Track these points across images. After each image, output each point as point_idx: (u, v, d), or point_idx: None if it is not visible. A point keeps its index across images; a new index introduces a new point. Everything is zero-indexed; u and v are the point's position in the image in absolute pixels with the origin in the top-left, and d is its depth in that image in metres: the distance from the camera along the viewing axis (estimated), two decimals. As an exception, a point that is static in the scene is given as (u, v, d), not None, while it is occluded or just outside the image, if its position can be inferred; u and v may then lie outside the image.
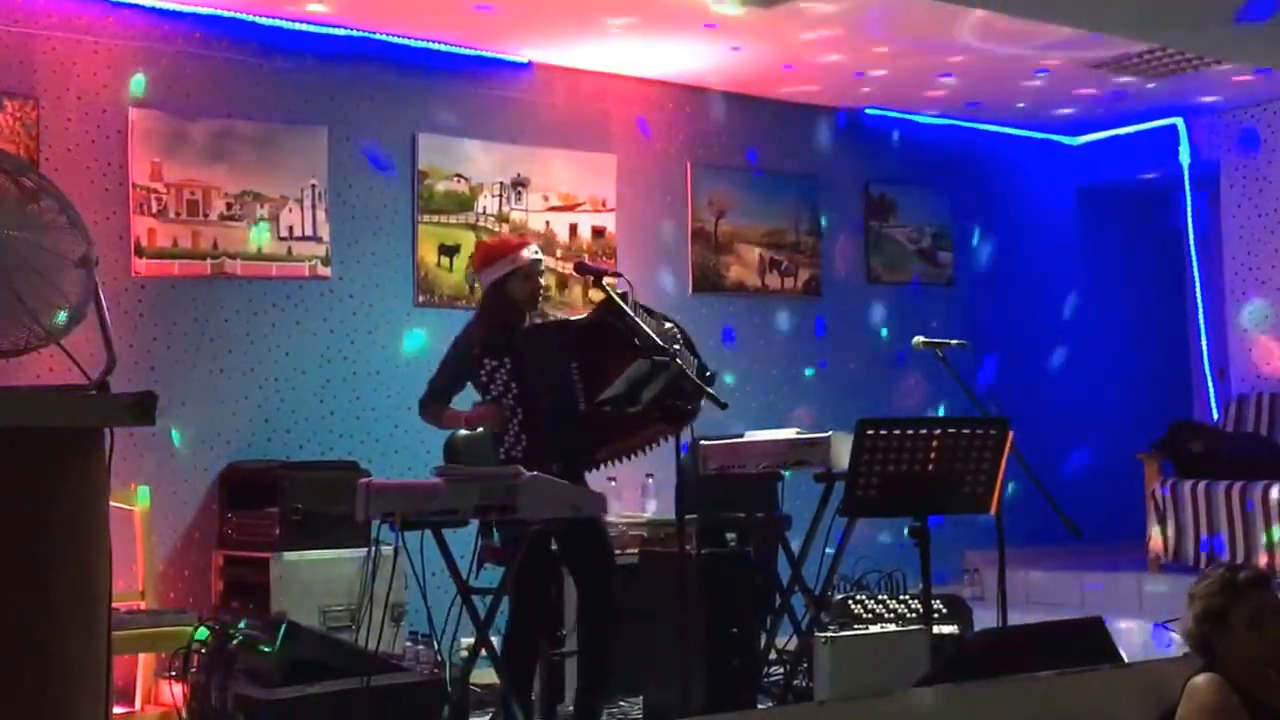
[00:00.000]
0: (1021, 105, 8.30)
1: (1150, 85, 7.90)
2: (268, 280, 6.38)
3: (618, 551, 5.92)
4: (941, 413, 7.94)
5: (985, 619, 5.58)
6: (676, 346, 4.46)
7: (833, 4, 6.43)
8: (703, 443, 5.02)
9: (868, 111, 8.31)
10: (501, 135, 7.04)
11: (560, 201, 7.19)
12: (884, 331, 8.30)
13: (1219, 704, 3.31)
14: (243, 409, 6.29)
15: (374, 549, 4.47)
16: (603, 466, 4.79)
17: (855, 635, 4.35)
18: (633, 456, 4.76)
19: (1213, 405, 8.68)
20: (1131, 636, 6.58)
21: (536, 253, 4.87)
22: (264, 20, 6.38)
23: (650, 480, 6.55)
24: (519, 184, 7.07)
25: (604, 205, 7.32)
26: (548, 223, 7.11)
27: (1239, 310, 8.45)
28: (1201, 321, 8.80)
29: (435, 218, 6.84)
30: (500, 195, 7.02)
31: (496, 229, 6.93)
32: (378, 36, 6.69)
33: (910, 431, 4.54)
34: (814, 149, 8.15)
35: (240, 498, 6.05)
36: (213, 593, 6.02)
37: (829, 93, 7.91)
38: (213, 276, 6.24)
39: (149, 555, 5.72)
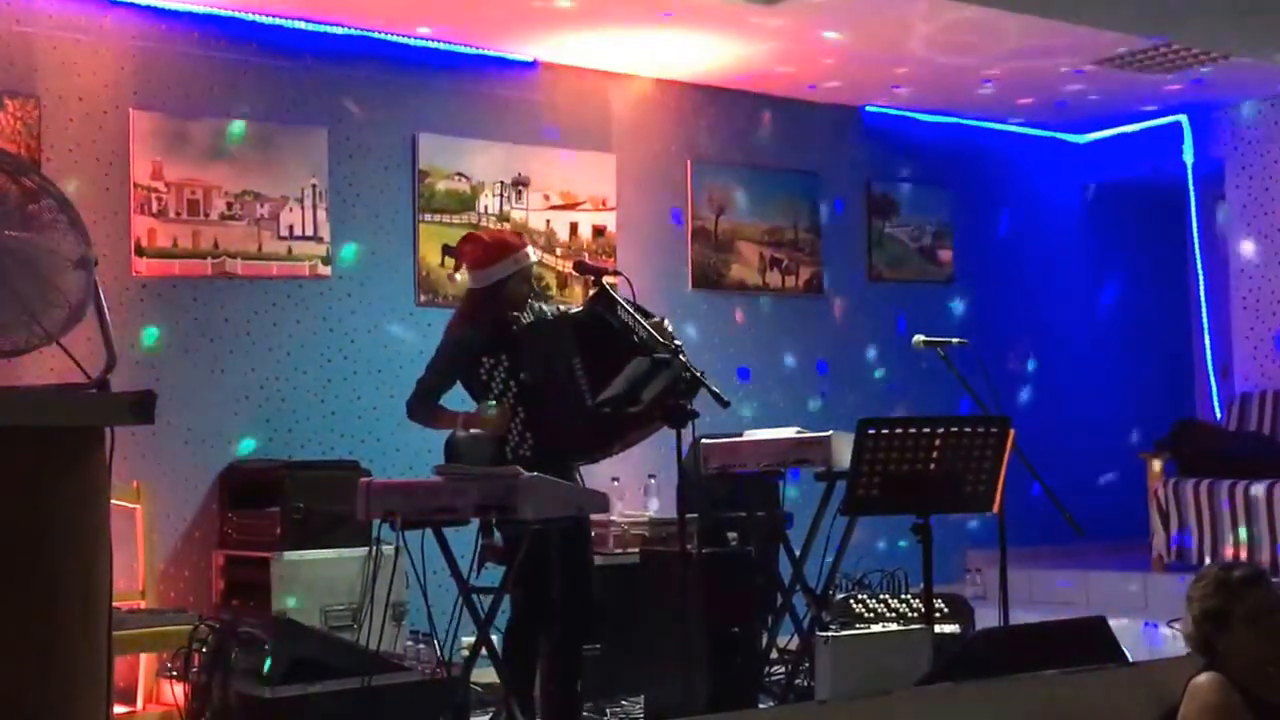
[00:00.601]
0: (1025, 103, 8.29)
1: (1155, 82, 7.89)
2: (268, 280, 6.38)
3: (620, 551, 5.95)
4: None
5: (987, 618, 5.58)
6: (677, 343, 4.46)
7: (833, 1, 6.43)
8: (704, 442, 5.01)
9: (869, 109, 8.31)
10: (502, 134, 7.04)
11: (561, 200, 7.18)
12: (885, 330, 8.28)
13: (1221, 703, 3.31)
14: (244, 409, 6.29)
15: (375, 548, 4.47)
16: (604, 461, 4.78)
17: (857, 634, 4.35)
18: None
19: (1215, 404, 8.67)
20: (1134, 635, 6.57)
21: (536, 253, 4.85)
22: (265, 19, 6.38)
23: (652, 480, 6.54)
24: (520, 183, 7.07)
25: (604, 204, 7.31)
26: (548, 221, 7.11)
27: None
28: (1205, 320, 8.79)
29: (436, 217, 6.84)
30: (501, 194, 7.01)
31: (498, 228, 6.92)
32: (378, 35, 6.68)
33: (911, 431, 4.54)
34: (815, 146, 8.14)
35: (241, 497, 6.05)
36: (214, 592, 6.02)
37: (830, 90, 7.90)
38: (213, 276, 6.24)
39: (149, 555, 5.72)
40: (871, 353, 8.25)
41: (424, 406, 4.74)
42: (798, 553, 5.13)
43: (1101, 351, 9.27)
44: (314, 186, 6.51)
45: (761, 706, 4.94)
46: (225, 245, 6.26)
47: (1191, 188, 8.80)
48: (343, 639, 4.81)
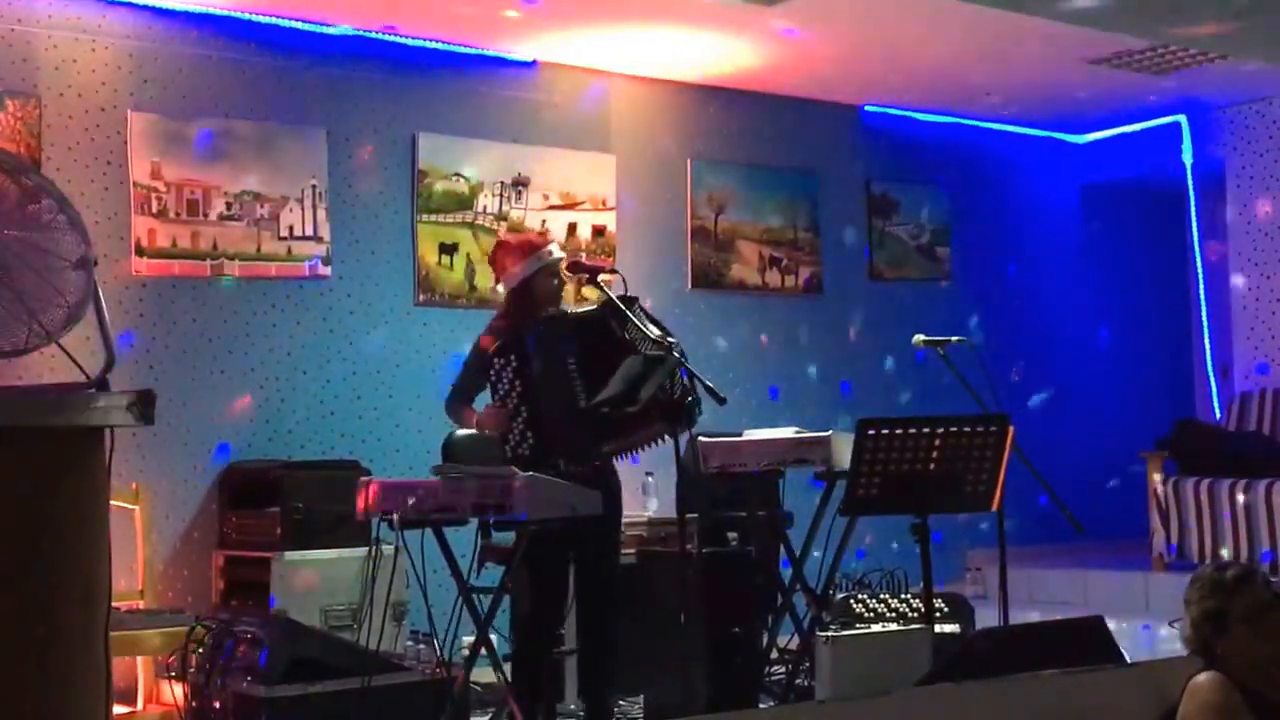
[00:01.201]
0: (1024, 103, 8.30)
1: (1153, 82, 7.89)
2: (268, 280, 6.38)
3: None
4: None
5: (987, 618, 5.58)
6: (671, 339, 4.46)
7: (833, 1, 6.43)
8: (703, 441, 5.01)
9: (869, 109, 8.31)
10: (501, 134, 7.04)
11: (560, 200, 7.18)
12: (885, 329, 8.28)
13: (1220, 702, 3.31)
14: (243, 409, 6.29)
15: (375, 548, 4.47)
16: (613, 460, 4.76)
17: (857, 634, 4.34)
18: (639, 451, 4.75)
19: (1215, 403, 8.67)
20: (1134, 635, 6.57)
21: (560, 250, 4.86)
22: (264, 19, 6.38)
23: (650, 479, 6.54)
24: (519, 183, 7.06)
25: (604, 204, 7.31)
26: (543, 221, 7.10)
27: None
28: (1204, 319, 8.79)
29: (434, 217, 6.84)
30: (501, 194, 7.01)
31: (496, 228, 6.93)
32: (377, 36, 6.69)
33: (911, 431, 4.54)
34: (815, 146, 8.14)
35: (241, 497, 6.04)
36: (213, 592, 6.02)
37: (830, 90, 7.90)
38: (213, 276, 6.24)
39: (149, 555, 5.72)
40: (872, 352, 8.25)
41: (453, 406, 4.83)
42: (798, 553, 5.13)
43: (1101, 351, 9.27)
44: (313, 187, 6.51)
45: (762, 706, 4.94)
46: (224, 245, 6.26)
47: (1191, 188, 8.80)
48: (343, 639, 4.81)
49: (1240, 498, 7.40)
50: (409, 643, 5.51)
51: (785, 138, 8.02)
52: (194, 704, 4.50)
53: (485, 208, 6.97)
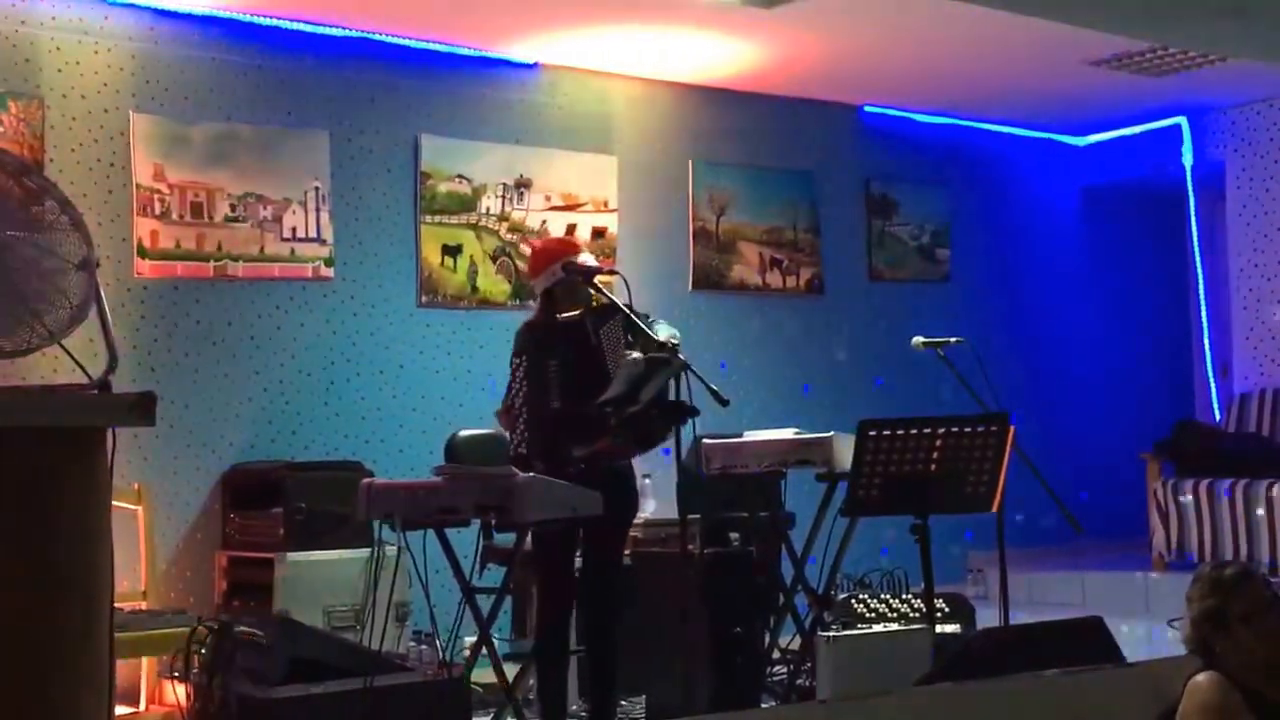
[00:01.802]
0: (1025, 104, 8.30)
1: (1154, 84, 7.89)
2: (271, 282, 6.39)
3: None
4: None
5: (988, 618, 5.59)
6: (674, 341, 4.47)
7: (833, 2, 6.44)
8: (705, 442, 5.02)
9: (868, 109, 8.32)
10: (503, 136, 7.05)
11: (562, 202, 7.19)
12: (886, 330, 8.28)
13: (1220, 702, 3.31)
14: (246, 410, 6.29)
15: (377, 549, 4.48)
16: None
17: (858, 634, 4.36)
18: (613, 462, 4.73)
19: (1215, 404, 8.68)
20: (1134, 635, 6.57)
21: (588, 256, 4.84)
22: (267, 22, 6.39)
23: (648, 480, 6.54)
24: (521, 185, 7.08)
25: (605, 205, 7.32)
26: (543, 221, 7.10)
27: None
28: (1204, 320, 8.80)
29: (437, 218, 6.85)
30: (503, 196, 7.02)
31: (498, 229, 6.95)
32: (379, 37, 6.70)
33: (912, 431, 4.55)
34: (815, 146, 8.15)
35: (244, 498, 6.05)
36: (216, 593, 6.03)
37: (830, 90, 7.91)
38: (216, 278, 6.25)
39: (151, 555, 5.73)
40: (872, 352, 8.25)
41: (503, 408, 4.75)
42: (799, 552, 5.14)
43: (1101, 352, 9.27)
44: (316, 189, 6.52)
45: (763, 706, 4.95)
46: (228, 247, 6.27)
47: (1191, 189, 8.81)
48: (345, 639, 4.81)
49: (1240, 498, 7.40)
50: (411, 643, 5.52)
51: (786, 138, 8.03)
52: (196, 705, 4.51)
53: (488, 209, 6.98)
